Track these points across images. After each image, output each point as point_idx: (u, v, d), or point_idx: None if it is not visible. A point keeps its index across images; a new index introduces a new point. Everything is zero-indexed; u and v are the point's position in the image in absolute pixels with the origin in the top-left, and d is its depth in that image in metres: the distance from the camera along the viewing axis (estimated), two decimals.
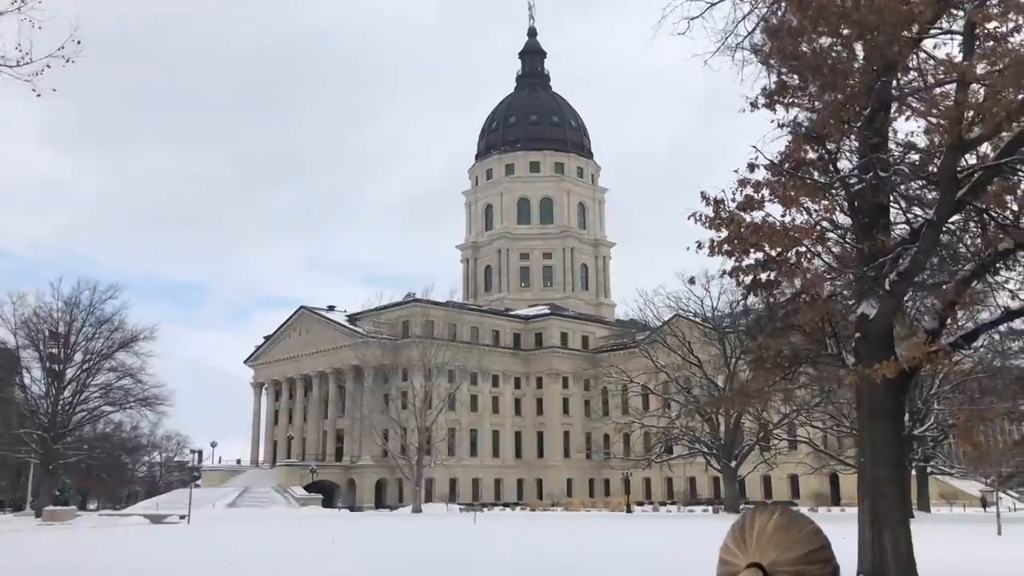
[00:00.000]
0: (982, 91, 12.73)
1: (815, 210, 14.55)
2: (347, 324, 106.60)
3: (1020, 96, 11.79)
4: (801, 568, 1.51)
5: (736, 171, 14.02)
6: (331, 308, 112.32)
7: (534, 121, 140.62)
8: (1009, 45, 12.14)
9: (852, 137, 14.91)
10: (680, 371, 74.38)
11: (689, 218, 14.80)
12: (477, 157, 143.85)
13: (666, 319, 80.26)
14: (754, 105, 15.35)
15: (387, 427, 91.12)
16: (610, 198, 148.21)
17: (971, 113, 13.13)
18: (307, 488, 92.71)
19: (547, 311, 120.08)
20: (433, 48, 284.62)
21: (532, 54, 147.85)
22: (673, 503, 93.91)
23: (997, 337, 62.10)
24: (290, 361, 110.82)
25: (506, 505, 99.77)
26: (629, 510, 78.98)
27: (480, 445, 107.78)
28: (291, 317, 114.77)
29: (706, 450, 71.59)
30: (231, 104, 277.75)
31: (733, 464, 68.74)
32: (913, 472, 64.74)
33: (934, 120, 13.03)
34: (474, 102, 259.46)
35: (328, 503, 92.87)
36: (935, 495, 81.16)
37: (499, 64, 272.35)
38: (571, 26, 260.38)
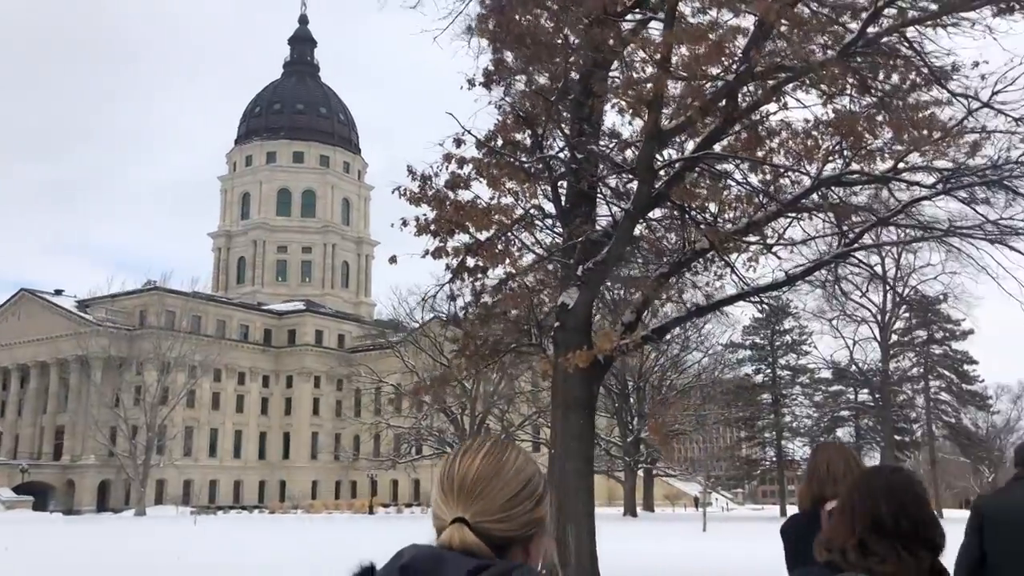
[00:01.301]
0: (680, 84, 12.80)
1: (522, 194, 14.10)
2: (74, 311, 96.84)
3: (714, 87, 11.95)
4: (504, 515, 1.46)
5: (441, 144, 13.27)
6: (58, 292, 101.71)
7: (300, 110, 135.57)
8: (708, 19, 12.13)
9: (567, 125, 14.64)
10: (430, 371, 74.16)
11: (394, 192, 13.87)
12: (237, 142, 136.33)
13: (419, 318, 79.77)
14: (471, 83, 14.69)
15: (115, 424, 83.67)
16: (378, 197, 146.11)
17: (672, 107, 13.23)
18: (16, 489, 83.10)
19: (303, 307, 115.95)
20: (211, 32, 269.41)
21: (302, 41, 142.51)
22: (419, 504, 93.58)
23: (720, 347, 67.44)
24: (4, 349, 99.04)
25: (244, 508, 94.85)
26: (371, 511, 77.60)
27: (220, 445, 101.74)
28: (10, 300, 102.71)
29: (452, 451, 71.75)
30: None
31: None
32: (640, 474, 68.67)
33: (628, 105, 12.93)
34: (248, 88, 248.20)
35: (41, 506, 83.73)
36: (660, 496, 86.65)
37: (273, 51, 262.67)
38: (346, 23, 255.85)
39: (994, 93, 13.81)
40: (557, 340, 14.09)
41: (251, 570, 21.24)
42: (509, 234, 14.31)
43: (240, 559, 24.31)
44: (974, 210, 13.78)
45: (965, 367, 66.22)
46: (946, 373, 66.11)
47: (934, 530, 2.02)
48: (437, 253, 13.68)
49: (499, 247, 14.13)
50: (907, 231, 15.07)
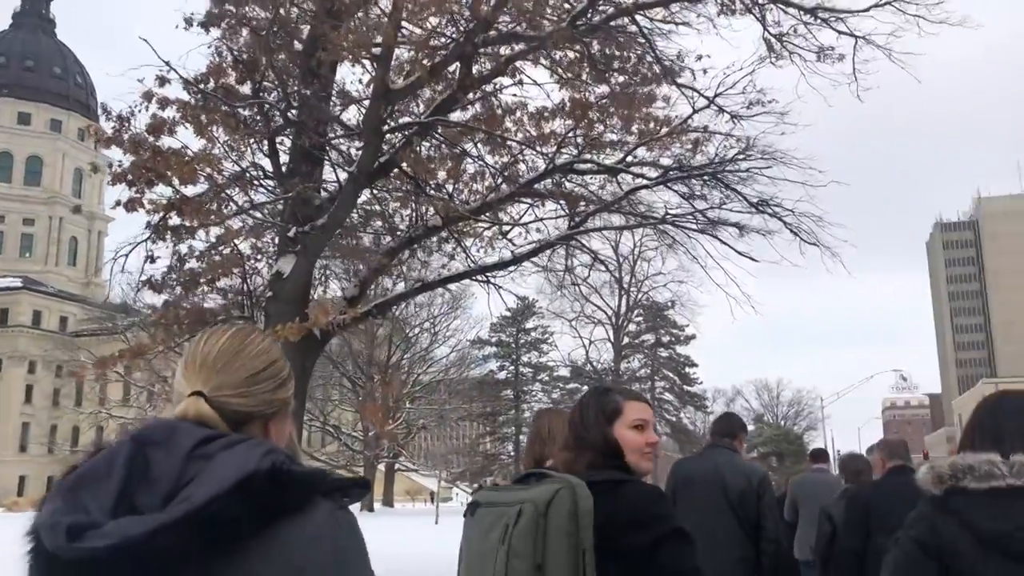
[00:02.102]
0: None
1: (236, 147, 12.77)
2: None
3: (445, 50, 11.40)
4: (244, 390, 1.46)
5: (142, 80, 11.67)
6: None
7: (30, 67, 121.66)
8: None
9: (294, 80, 13.49)
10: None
11: (82, 135, 12.06)
12: None
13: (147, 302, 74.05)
14: (188, 22, 13.14)
15: None
16: None
17: (406, 69, 12.55)
18: None
19: (19, 284, 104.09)
20: None
21: None
22: None
23: (468, 344, 68.29)
24: None
25: None
26: None
27: None
28: None
29: None
30: None
31: None
32: (382, 468, 67.99)
33: (355, 58, 12.08)
34: None
35: None
36: (401, 491, 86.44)
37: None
38: None
39: (717, 94, 14.46)
40: (269, 312, 12.92)
41: None
42: (223, 193, 12.93)
43: None
44: (691, 204, 14.33)
45: (687, 370, 71.63)
46: (670, 375, 71.14)
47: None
48: (131, 205, 12.02)
49: (209, 206, 12.73)
50: (629, 218, 15.43)
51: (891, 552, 2.27)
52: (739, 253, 13.22)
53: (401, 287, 15.71)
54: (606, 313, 63.99)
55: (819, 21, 13.23)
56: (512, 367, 70.25)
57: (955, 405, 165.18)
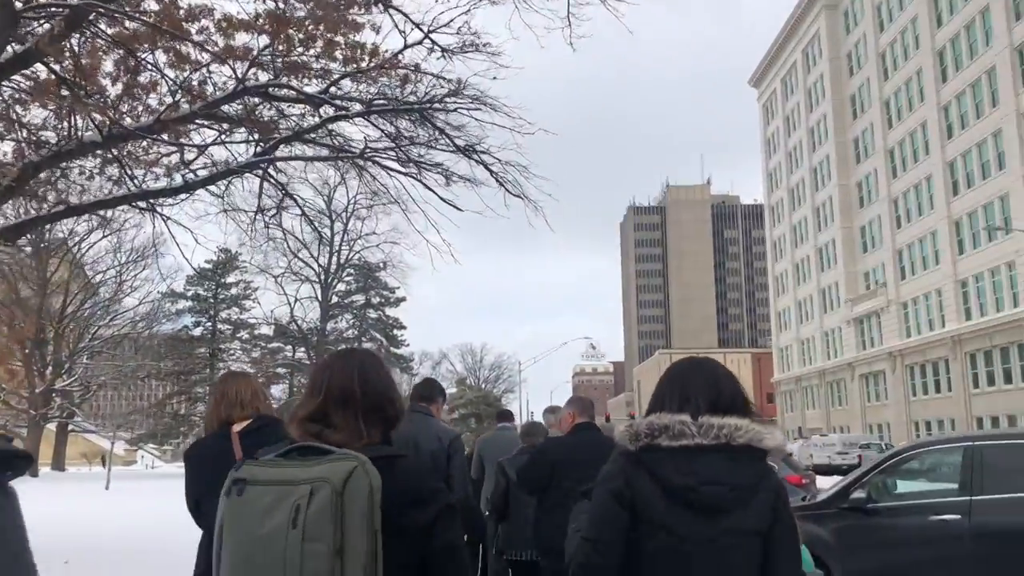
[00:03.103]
0: None
1: None
2: None
3: None
4: None
5: None
6: None
7: None
8: None
9: None
10: None
11: None
12: None
13: None
14: None
15: None
16: None
17: None
18: None
19: None
20: None
21: None
22: None
23: (159, 296, 62.48)
24: None
25: None
26: None
27: None
28: None
29: None
30: None
31: None
32: (52, 428, 60.96)
33: None
34: None
35: None
36: (77, 454, 78.39)
37: None
38: None
39: (432, 30, 13.42)
40: None
41: None
42: None
43: None
44: (395, 143, 13.20)
45: (395, 332, 71.36)
46: (378, 336, 70.42)
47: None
48: None
49: None
50: (325, 150, 14.00)
51: (586, 504, 2.46)
52: (443, 199, 12.34)
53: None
54: (314, 270, 61.75)
55: None
56: (209, 324, 65.72)
57: (635, 372, 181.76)
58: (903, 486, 8.34)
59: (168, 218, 12.31)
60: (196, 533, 3.46)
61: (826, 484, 11.89)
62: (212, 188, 12.24)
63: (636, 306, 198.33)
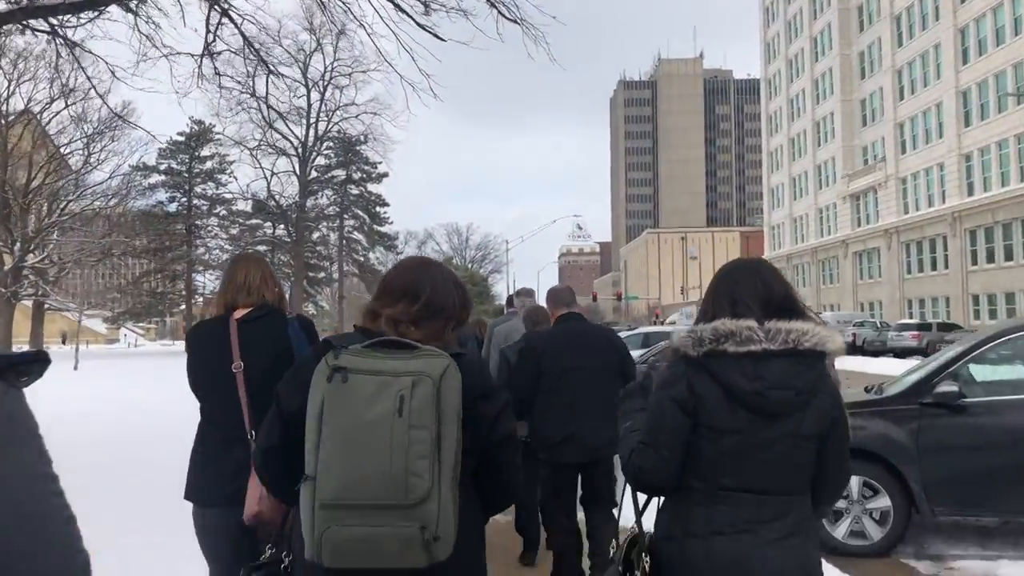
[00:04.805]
0: None
1: None
2: None
3: None
4: None
5: None
6: None
7: None
8: None
9: None
10: None
11: None
12: None
13: None
14: None
15: None
16: None
17: None
18: None
19: None
20: None
21: None
22: None
23: (130, 169, 59.64)
24: None
25: None
26: None
27: None
28: None
29: None
30: None
31: None
32: (28, 305, 59.37)
33: None
34: None
35: None
36: (56, 332, 77.27)
37: None
38: None
39: None
40: None
41: None
42: None
43: None
44: None
45: (378, 209, 69.10)
46: (360, 213, 68.27)
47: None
48: None
49: None
50: None
51: (637, 402, 2.57)
52: (420, 26, 10.14)
53: None
54: (291, 143, 58.97)
55: None
56: (184, 199, 63.26)
57: (622, 252, 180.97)
58: (999, 376, 6.71)
59: (76, 44, 10.02)
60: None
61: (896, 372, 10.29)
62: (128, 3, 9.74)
63: (624, 184, 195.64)
